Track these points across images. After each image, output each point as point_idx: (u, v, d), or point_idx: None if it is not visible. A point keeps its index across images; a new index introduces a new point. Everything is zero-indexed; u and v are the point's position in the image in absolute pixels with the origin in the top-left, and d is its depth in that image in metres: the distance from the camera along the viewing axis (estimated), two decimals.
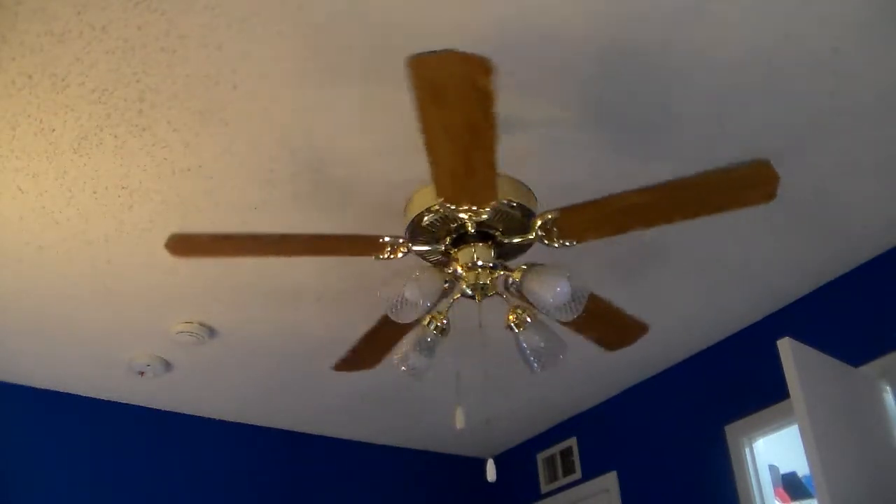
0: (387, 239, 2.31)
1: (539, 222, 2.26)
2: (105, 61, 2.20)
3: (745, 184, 2.13)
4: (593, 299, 2.45)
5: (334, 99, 2.39)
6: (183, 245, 2.36)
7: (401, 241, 2.32)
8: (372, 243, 2.33)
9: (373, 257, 2.34)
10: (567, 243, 2.30)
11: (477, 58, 1.69)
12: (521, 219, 2.28)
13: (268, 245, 2.43)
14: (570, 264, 2.33)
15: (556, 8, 2.12)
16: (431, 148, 1.95)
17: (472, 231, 2.28)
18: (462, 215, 2.20)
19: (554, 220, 2.24)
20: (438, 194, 2.13)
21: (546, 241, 2.30)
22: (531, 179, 2.36)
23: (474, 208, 2.17)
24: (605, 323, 2.65)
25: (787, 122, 2.59)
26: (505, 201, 2.23)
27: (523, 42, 2.21)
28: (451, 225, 2.29)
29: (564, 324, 2.47)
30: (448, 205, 2.16)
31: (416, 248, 2.35)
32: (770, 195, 2.14)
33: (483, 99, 1.79)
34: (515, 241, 2.33)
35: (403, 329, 2.54)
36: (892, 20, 2.24)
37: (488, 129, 1.89)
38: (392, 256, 2.33)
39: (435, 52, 1.67)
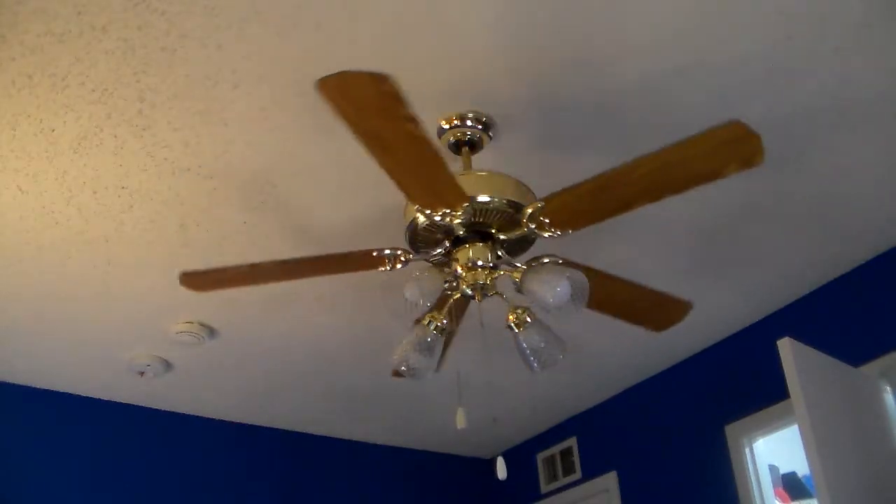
0: (386, 252, 2.33)
1: (528, 213, 2.25)
2: (105, 61, 2.20)
3: (729, 146, 2.00)
4: (627, 286, 2.50)
5: None
6: (197, 281, 2.46)
7: (399, 252, 2.34)
8: (372, 259, 2.35)
9: (381, 269, 2.36)
10: (560, 232, 2.27)
11: (372, 74, 1.73)
12: (513, 214, 2.28)
13: (274, 272, 2.48)
14: (569, 265, 2.34)
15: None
16: (379, 162, 1.99)
17: (463, 233, 2.29)
18: (441, 220, 2.20)
19: (540, 210, 2.22)
20: (412, 203, 2.17)
21: (541, 232, 2.29)
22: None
23: (449, 211, 2.17)
24: (645, 307, 2.64)
25: (787, 122, 2.59)
26: (485, 199, 2.23)
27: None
28: (439, 232, 2.30)
29: (605, 313, 2.55)
30: (425, 210, 2.18)
31: (414, 256, 2.36)
32: (757, 156, 1.98)
33: (399, 109, 1.82)
34: (512, 237, 2.33)
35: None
36: (892, 20, 2.24)
37: (418, 135, 1.91)
38: (392, 268, 2.35)
39: (333, 74, 1.73)
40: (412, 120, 1.86)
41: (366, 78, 1.75)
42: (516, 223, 2.29)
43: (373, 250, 2.34)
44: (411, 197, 2.16)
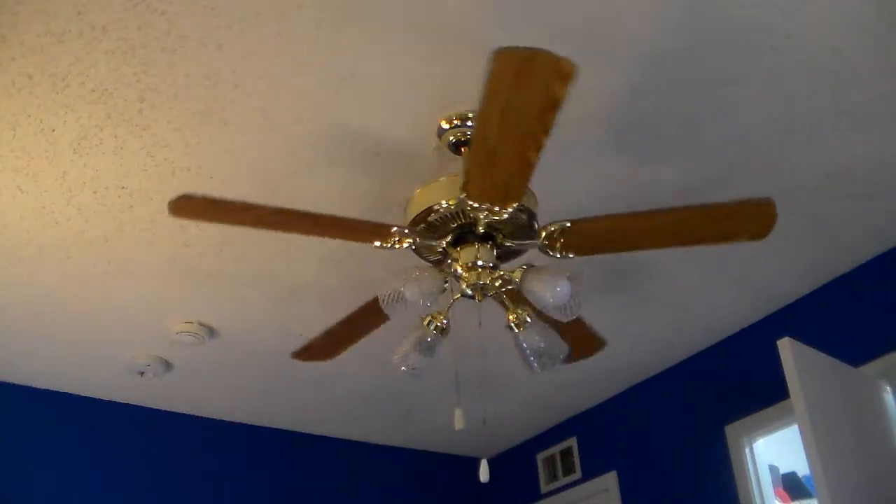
0: (395, 228, 2.29)
1: (550, 230, 2.26)
2: (105, 61, 2.20)
3: (744, 219, 2.22)
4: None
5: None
6: (187, 206, 2.23)
7: (406, 231, 2.30)
8: (379, 230, 2.29)
9: (376, 244, 2.30)
10: (567, 255, 2.32)
11: (562, 61, 1.69)
12: (526, 223, 2.28)
13: (273, 218, 2.34)
14: (569, 264, 2.34)
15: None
16: (479, 140, 1.96)
17: (479, 231, 2.28)
18: (479, 214, 2.19)
19: (561, 231, 2.25)
20: (464, 188, 2.11)
21: (548, 251, 2.31)
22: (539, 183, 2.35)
23: (495, 208, 2.16)
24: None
25: (787, 122, 2.59)
26: (523, 206, 2.23)
27: None
28: (454, 224, 2.29)
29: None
30: (469, 200, 2.15)
31: (420, 241, 2.33)
32: (764, 232, 2.22)
33: (551, 103, 1.81)
34: (516, 245, 2.33)
35: (374, 323, 2.59)
36: (892, 20, 2.24)
37: (543, 132, 1.90)
38: (397, 246, 2.30)
39: (522, 48, 1.67)
40: (554, 120, 1.85)
41: (553, 63, 1.70)
42: (528, 233, 2.30)
43: (382, 223, 2.28)
44: (470, 182, 2.08)
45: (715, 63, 2.34)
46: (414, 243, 2.32)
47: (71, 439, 3.98)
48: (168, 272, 3.13)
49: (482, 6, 2.12)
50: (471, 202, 2.14)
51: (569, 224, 2.25)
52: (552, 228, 2.26)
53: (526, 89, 1.79)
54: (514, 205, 2.15)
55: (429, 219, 2.28)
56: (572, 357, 2.67)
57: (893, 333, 3.20)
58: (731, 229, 2.28)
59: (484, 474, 2.47)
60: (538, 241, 2.31)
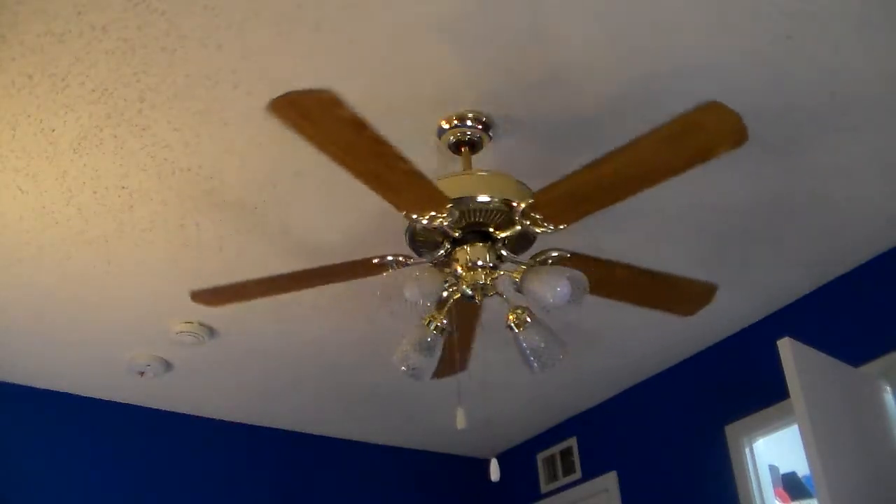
0: (388, 259, 2.34)
1: (519, 210, 2.25)
2: (105, 61, 2.20)
3: (711, 127, 2.00)
4: (648, 274, 2.49)
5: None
6: (208, 298, 2.53)
7: (400, 258, 2.35)
8: (374, 266, 2.36)
9: (385, 274, 2.37)
10: (555, 227, 2.27)
11: (317, 92, 1.77)
12: (507, 212, 2.28)
13: (282, 284, 2.51)
14: (579, 259, 2.34)
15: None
16: (354, 175, 2.03)
17: (460, 234, 2.29)
18: (428, 223, 2.21)
19: (531, 206, 2.22)
20: (398, 209, 2.17)
21: (536, 229, 2.29)
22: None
23: (435, 214, 2.18)
24: (671, 293, 2.65)
25: (786, 122, 2.59)
26: (483, 198, 2.24)
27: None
28: (439, 230, 2.30)
29: (631, 302, 2.61)
30: (412, 216, 2.19)
31: (415, 260, 2.37)
32: (740, 136, 2.00)
33: (352, 125, 1.86)
34: (510, 235, 2.33)
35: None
36: (892, 20, 2.24)
37: (381, 146, 1.94)
38: (399, 268, 2.37)
39: (281, 95, 1.76)
40: (369, 132, 1.90)
41: (313, 95, 1.79)
42: (512, 221, 2.29)
43: (374, 258, 2.35)
44: (394, 204, 2.17)
45: (715, 63, 2.34)
46: (409, 265, 2.36)
47: (71, 439, 3.98)
48: (168, 272, 3.13)
49: (483, 6, 2.12)
50: (414, 216, 2.19)
51: (532, 198, 2.23)
52: (522, 207, 2.24)
53: (323, 124, 1.87)
54: (448, 205, 2.17)
55: (417, 229, 2.31)
56: (690, 311, 2.73)
57: (893, 333, 3.20)
58: (705, 142, 2.06)
59: (495, 473, 2.47)
60: (521, 225, 2.28)
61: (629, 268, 2.48)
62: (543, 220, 2.24)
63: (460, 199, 2.23)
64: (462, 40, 2.22)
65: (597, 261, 2.41)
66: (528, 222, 2.26)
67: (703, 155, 2.04)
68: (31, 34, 2.11)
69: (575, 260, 2.36)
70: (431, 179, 2.12)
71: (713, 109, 1.88)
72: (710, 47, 2.28)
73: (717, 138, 2.00)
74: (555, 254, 2.35)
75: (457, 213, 2.23)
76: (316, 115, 1.86)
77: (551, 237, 2.31)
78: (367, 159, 2.01)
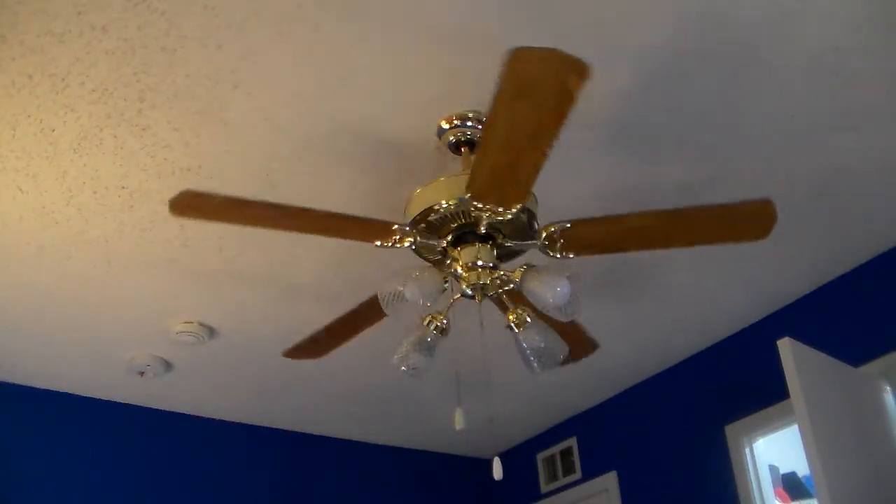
0: (396, 226, 2.28)
1: (550, 230, 2.26)
2: (105, 61, 2.20)
3: (745, 220, 2.22)
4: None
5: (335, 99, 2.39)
6: (187, 203, 2.19)
7: (407, 229, 2.29)
8: (380, 228, 2.29)
9: (376, 243, 2.30)
10: (567, 255, 2.32)
11: (576, 60, 1.70)
12: (526, 224, 2.28)
13: (274, 214, 2.33)
14: (569, 264, 2.33)
15: None
16: (488, 140, 1.95)
17: (479, 231, 2.28)
18: (482, 214, 2.19)
19: (561, 232, 2.24)
20: (468, 188, 2.10)
21: (548, 251, 2.31)
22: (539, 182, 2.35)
23: (498, 209, 2.16)
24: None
25: (787, 123, 2.59)
26: (525, 206, 2.23)
27: None
28: (454, 224, 2.29)
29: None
30: (473, 201, 2.14)
31: (420, 241, 2.33)
32: (764, 233, 2.22)
33: (564, 102, 1.81)
34: (516, 245, 2.33)
35: (367, 322, 2.62)
36: (892, 20, 2.24)
37: (554, 132, 1.90)
38: (398, 245, 2.30)
39: (537, 48, 1.68)
40: (565, 120, 1.85)
41: (568, 62, 1.71)
42: (528, 234, 2.30)
43: (384, 221, 2.28)
44: (476, 182, 2.08)
45: (715, 63, 2.34)
46: (414, 242, 2.31)
47: (71, 439, 3.98)
48: (168, 272, 3.13)
49: (482, 5, 2.12)
50: (474, 202, 2.14)
51: (569, 225, 2.25)
52: (552, 229, 2.26)
53: (540, 89, 1.79)
54: (518, 206, 2.15)
55: (429, 218, 2.28)
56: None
57: (893, 333, 3.20)
58: (731, 230, 2.30)
59: (497, 472, 2.46)
60: (538, 242, 2.31)
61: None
62: (563, 247, 2.29)
63: (417, 215, 2.26)
64: (462, 40, 2.22)
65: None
66: (548, 243, 2.29)
67: (729, 240, 2.25)
68: (31, 34, 2.11)
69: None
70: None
71: (763, 207, 2.05)
72: (711, 47, 2.28)
73: (749, 230, 2.21)
74: (567, 224, 2.27)
75: (413, 232, 2.26)
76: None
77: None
78: (524, 135, 1.94)
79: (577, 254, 2.32)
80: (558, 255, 2.31)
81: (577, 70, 1.72)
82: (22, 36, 2.11)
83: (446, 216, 2.26)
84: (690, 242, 2.28)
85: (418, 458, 5.09)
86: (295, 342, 2.86)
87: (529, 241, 2.34)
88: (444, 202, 2.25)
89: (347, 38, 2.19)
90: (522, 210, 2.22)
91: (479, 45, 2.24)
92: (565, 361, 2.51)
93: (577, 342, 2.72)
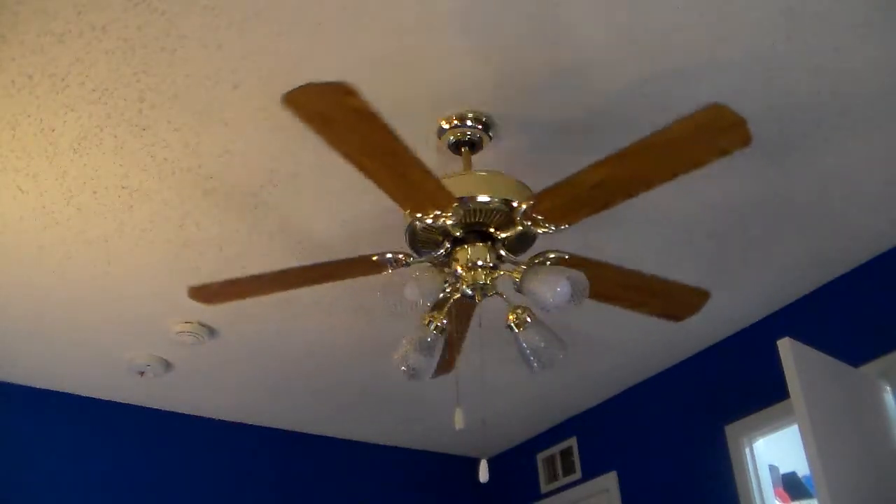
0: (388, 256, 2.33)
1: (520, 210, 2.25)
2: (105, 61, 2.20)
3: (713, 129, 1.98)
4: (641, 277, 2.51)
5: None
6: (205, 294, 2.50)
7: (400, 255, 2.34)
8: (374, 264, 2.35)
9: (419, 215, 2.27)
10: (557, 227, 2.27)
11: (334, 85, 1.75)
12: (508, 212, 2.28)
13: (279, 282, 2.48)
14: (575, 260, 2.34)
15: None
16: (362, 171, 2.02)
17: (461, 233, 2.29)
18: (432, 222, 2.21)
19: (532, 206, 2.22)
20: (402, 208, 2.17)
21: (537, 229, 2.29)
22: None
23: (440, 213, 2.18)
24: (663, 298, 2.66)
25: (786, 123, 2.59)
26: (483, 198, 2.24)
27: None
28: (440, 230, 2.29)
29: (623, 306, 2.61)
30: (416, 214, 2.19)
31: (415, 259, 2.36)
32: (744, 138, 1.96)
33: (367, 118, 1.85)
34: (510, 235, 2.33)
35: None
36: (892, 20, 2.24)
37: (393, 142, 1.93)
38: (445, 213, 2.25)
39: (297, 87, 1.75)
40: (383, 126, 1.88)
41: (330, 89, 1.77)
42: (512, 221, 2.29)
43: (373, 255, 2.35)
44: (399, 202, 2.17)
45: (715, 63, 2.33)
46: (409, 264, 2.35)
47: (71, 439, 3.98)
48: (168, 272, 3.13)
49: (483, 5, 2.12)
50: (418, 215, 2.19)
51: (533, 198, 2.23)
52: (523, 207, 2.24)
53: (337, 117, 1.86)
54: (454, 204, 2.17)
55: (418, 229, 2.30)
56: (680, 316, 2.72)
57: (893, 333, 3.20)
58: (706, 145, 2.04)
59: (483, 474, 2.47)
60: (522, 225, 2.28)
61: (621, 270, 2.49)
62: (545, 221, 2.24)
63: (463, 198, 2.23)
64: (462, 40, 2.22)
65: (592, 262, 2.41)
66: (530, 222, 2.26)
67: (705, 158, 2.03)
68: (31, 34, 2.11)
69: (572, 261, 2.36)
70: (438, 178, 2.12)
71: (716, 112, 1.87)
72: (711, 48, 2.28)
73: (721, 141, 1.98)
74: (552, 255, 2.35)
75: (461, 213, 2.23)
76: (330, 109, 1.85)
77: (552, 237, 2.31)
78: (379, 155, 2.00)
79: (567, 222, 2.26)
80: (548, 230, 2.27)
81: (343, 91, 1.77)
82: (22, 36, 2.11)
83: (482, 211, 2.26)
84: (669, 174, 2.10)
85: (418, 458, 5.09)
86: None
87: (517, 228, 2.32)
88: (487, 196, 2.25)
89: (347, 38, 2.19)
90: (505, 203, 2.26)
91: (480, 45, 2.24)
92: (679, 319, 2.69)
93: (685, 299, 2.69)
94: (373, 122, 1.88)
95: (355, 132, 1.92)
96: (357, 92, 1.78)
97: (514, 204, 2.26)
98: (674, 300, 2.64)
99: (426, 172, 2.05)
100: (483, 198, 2.25)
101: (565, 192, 2.16)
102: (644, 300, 2.63)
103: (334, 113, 1.86)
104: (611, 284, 2.51)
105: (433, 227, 2.27)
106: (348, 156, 2.00)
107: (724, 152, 2.01)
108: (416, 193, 2.13)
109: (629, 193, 2.16)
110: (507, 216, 2.28)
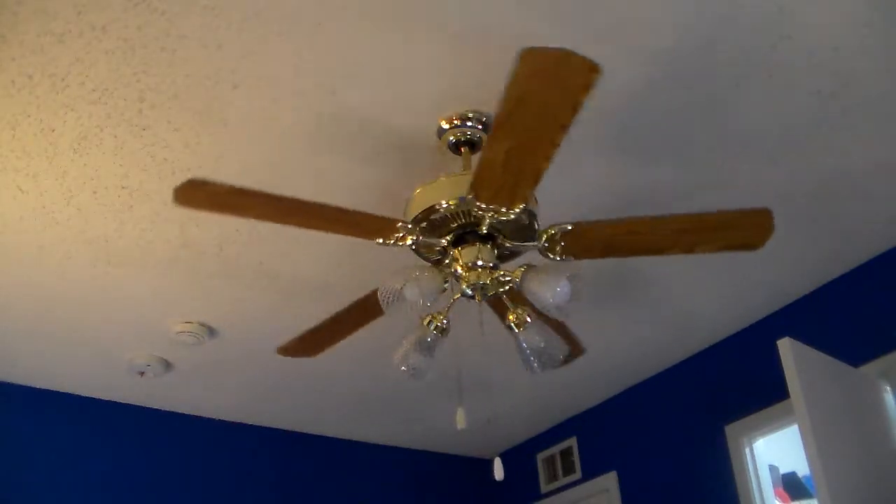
0: (399, 224, 2.27)
1: (550, 233, 2.26)
2: (105, 61, 2.20)
3: (742, 228, 2.24)
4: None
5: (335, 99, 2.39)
6: (192, 193, 2.14)
7: (410, 227, 2.29)
8: (383, 224, 2.28)
9: (378, 240, 2.29)
10: (567, 258, 2.32)
11: (587, 61, 1.69)
12: (527, 225, 2.28)
13: (281, 210, 2.30)
14: (569, 265, 2.34)
15: None
16: (494, 139, 1.95)
17: (482, 231, 2.28)
18: (485, 214, 2.19)
19: (562, 234, 2.24)
20: (472, 188, 2.10)
21: (548, 254, 2.31)
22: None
23: (501, 209, 2.16)
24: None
25: (787, 122, 2.59)
26: (529, 207, 2.23)
27: None
28: (455, 223, 2.28)
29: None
30: (477, 201, 2.14)
31: (423, 239, 2.32)
32: (760, 242, 2.26)
33: (573, 105, 1.82)
34: (516, 245, 2.33)
35: (364, 320, 2.62)
36: (892, 20, 2.24)
37: (560, 136, 1.90)
38: (399, 243, 2.29)
39: (548, 49, 1.68)
40: (571, 122, 1.86)
41: (579, 63, 1.71)
42: (528, 235, 2.30)
43: (389, 218, 2.26)
44: (479, 182, 2.08)
45: (715, 63, 2.34)
46: (416, 241, 2.31)
47: (71, 439, 3.98)
48: (168, 272, 3.13)
49: (482, 6, 2.12)
50: (478, 202, 2.14)
51: (570, 227, 2.25)
52: (552, 231, 2.26)
53: (550, 91, 1.79)
54: (519, 207, 2.15)
55: (431, 217, 2.28)
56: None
57: (893, 333, 3.20)
58: (729, 238, 2.31)
59: (499, 472, 2.46)
60: (538, 244, 2.31)
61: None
62: (563, 250, 2.30)
63: (418, 214, 2.26)
64: (462, 40, 2.22)
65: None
66: (548, 245, 2.29)
67: (728, 248, 2.24)
68: (31, 34, 2.11)
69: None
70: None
71: (761, 218, 2.07)
72: (710, 46, 2.28)
73: (749, 240, 2.22)
74: (569, 226, 2.28)
75: (416, 230, 2.26)
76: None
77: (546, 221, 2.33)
78: (530, 136, 1.93)
79: (577, 257, 2.32)
80: (559, 258, 2.32)
81: (587, 71, 1.71)
82: (22, 36, 2.11)
83: (447, 216, 2.26)
84: (688, 250, 2.28)
85: (418, 458, 5.09)
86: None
87: (530, 243, 2.34)
88: (445, 202, 2.25)
89: (347, 38, 2.19)
90: (524, 211, 2.21)
91: (479, 45, 2.24)
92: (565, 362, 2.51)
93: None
94: (570, 109, 1.82)
95: (547, 108, 1.84)
96: (595, 78, 1.72)
97: (535, 219, 2.29)
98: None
99: (541, 173, 2.03)
100: (442, 204, 2.26)
101: (600, 233, 2.29)
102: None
103: (554, 84, 1.78)
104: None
105: (459, 216, 2.26)
106: (502, 123, 1.90)
107: (738, 248, 2.27)
108: (508, 182, 2.07)
109: (644, 252, 2.37)
110: (525, 229, 2.30)
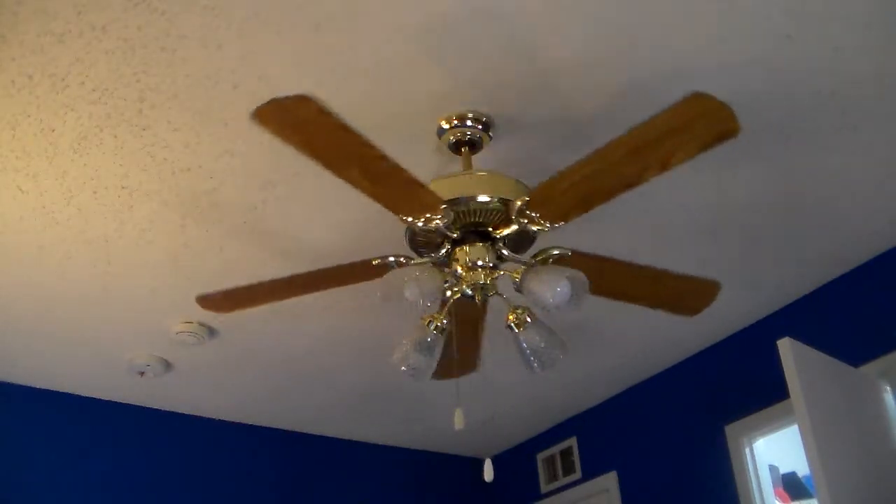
0: (390, 259, 2.31)
1: (515, 208, 2.24)
2: (105, 61, 2.20)
3: (697, 119, 1.93)
4: (652, 271, 2.48)
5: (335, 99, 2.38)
6: (217, 300, 2.56)
7: (401, 258, 2.33)
8: (374, 268, 2.34)
9: (407, 218, 2.27)
10: (551, 224, 2.26)
11: (299, 97, 1.77)
12: (504, 211, 2.28)
13: (283, 289, 2.51)
14: (580, 257, 2.34)
15: None
16: (344, 179, 2.02)
17: (458, 234, 2.29)
18: (424, 225, 2.21)
19: (526, 204, 2.22)
20: (393, 213, 2.17)
21: (533, 227, 2.28)
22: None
23: (430, 216, 2.18)
24: (673, 291, 2.64)
25: (786, 122, 2.59)
26: (477, 198, 2.24)
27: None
28: (475, 219, 2.28)
29: (633, 301, 2.60)
30: (407, 219, 2.19)
31: (415, 261, 2.34)
32: (731, 128, 1.92)
33: (333, 127, 1.86)
34: (509, 234, 2.33)
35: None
36: (892, 20, 2.24)
37: (366, 147, 1.93)
38: (433, 217, 2.25)
39: (264, 104, 1.79)
40: (355, 135, 1.89)
41: (294, 102, 1.79)
42: (510, 220, 2.29)
43: (374, 260, 2.34)
44: (389, 208, 2.16)
45: (715, 64, 2.34)
46: (448, 221, 2.27)
47: (71, 439, 3.98)
48: (168, 272, 3.13)
49: (483, 6, 2.12)
50: (409, 219, 2.18)
51: (527, 196, 2.23)
52: (518, 205, 2.23)
53: (306, 128, 1.88)
54: (443, 205, 2.17)
55: (416, 231, 2.30)
56: (694, 311, 2.70)
57: (893, 333, 3.20)
58: (695, 136, 2.00)
59: (488, 474, 2.47)
60: (518, 224, 2.27)
61: (631, 266, 2.47)
62: (540, 218, 2.24)
63: (456, 199, 2.23)
64: (462, 40, 2.22)
65: (597, 258, 2.41)
66: (525, 220, 2.25)
67: (692, 149, 1.98)
68: (31, 34, 2.11)
69: (576, 258, 2.35)
70: (423, 182, 2.11)
71: (698, 101, 1.84)
72: (710, 47, 2.28)
73: (707, 131, 1.94)
74: (556, 252, 2.34)
75: (452, 214, 2.23)
76: (301, 123, 1.87)
77: (552, 236, 2.31)
78: (356, 164, 2.01)
79: (563, 220, 2.24)
80: (544, 228, 2.26)
81: (304, 103, 1.79)
82: (22, 36, 2.11)
83: (477, 210, 2.26)
84: (659, 166, 2.05)
85: (418, 458, 5.09)
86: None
87: (513, 227, 2.31)
88: (486, 195, 2.25)
89: (347, 38, 2.19)
90: (501, 202, 2.25)
91: (479, 45, 2.24)
92: (691, 313, 2.67)
93: (697, 291, 2.65)
94: (343, 131, 1.88)
95: (327, 142, 1.93)
96: (321, 103, 1.80)
97: (510, 203, 2.26)
98: (685, 293, 2.61)
99: (409, 178, 2.06)
100: (480, 197, 2.25)
101: (557, 188, 2.16)
102: (654, 294, 2.59)
103: (304, 125, 1.87)
104: (619, 280, 2.49)
105: (428, 230, 2.26)
106: (329, 166, 2.00)
107: (711, 143, 1.96)
108: (404, 199, 2.12)
109: (623, 188, 2.13)
110: (505, 216, 2.28)
